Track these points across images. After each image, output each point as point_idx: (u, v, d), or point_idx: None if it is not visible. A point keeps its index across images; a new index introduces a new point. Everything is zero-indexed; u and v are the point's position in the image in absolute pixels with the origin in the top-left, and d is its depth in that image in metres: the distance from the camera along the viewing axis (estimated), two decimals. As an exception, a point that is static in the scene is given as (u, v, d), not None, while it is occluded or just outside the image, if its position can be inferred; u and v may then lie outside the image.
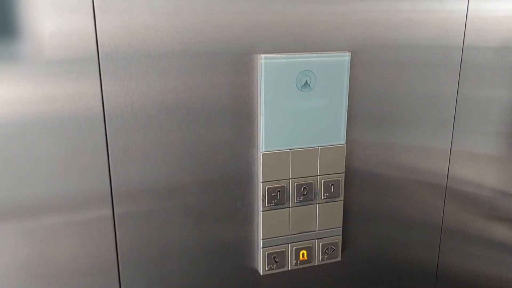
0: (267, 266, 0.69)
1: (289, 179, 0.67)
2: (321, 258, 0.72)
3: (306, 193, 0.68)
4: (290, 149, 0.65)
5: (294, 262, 0.70)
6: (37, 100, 0.54)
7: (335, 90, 0.65)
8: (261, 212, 0.67)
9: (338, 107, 0.66)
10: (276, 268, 0.70)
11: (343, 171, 0.70)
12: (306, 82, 0.63)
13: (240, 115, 0.63)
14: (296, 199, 0.68)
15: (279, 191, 0.66)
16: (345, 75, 0.65)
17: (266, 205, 0.66)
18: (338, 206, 0.71)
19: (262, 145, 0.64)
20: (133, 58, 0.56)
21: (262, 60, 0.61)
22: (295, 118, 0.64)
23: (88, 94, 0.56)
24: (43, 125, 0.55)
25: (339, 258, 0.74)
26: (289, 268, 0.71)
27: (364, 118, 0.70)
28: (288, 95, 0.63)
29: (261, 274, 0.69)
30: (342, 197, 0.71)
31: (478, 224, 0.83)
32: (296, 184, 0.67)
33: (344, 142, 0.68)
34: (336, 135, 0.67)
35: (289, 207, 0.68)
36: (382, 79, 0.69)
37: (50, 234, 0.59)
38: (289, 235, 0.69)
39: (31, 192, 0.56)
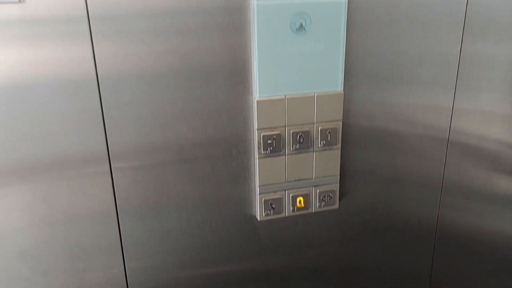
0: (264, 212, 0.70)
1: (285, 126, 0.66)
2: (318, 206, 0.73)
3: (303, 141, 0.68)
4: (285, 96, 0.64)
5: (291, 208, 0.71)
6: (29, 62, 0.54)
7: (331, 33, 0.63)
8: (257, 159, 0.67)
9: (335, 51, 0.64)
10: (273, 214, 0.71)
11: (341, 118, 0.69)
12: (301, 25, 0.61)
13: (234, 62, 0.62)
14: (292, 147, 0.67)
15: (274, 138, 0.66)
16: (342, 17, 0.63)
17: (262, 152, 0.66)
18: (335, 155, 0.71)
19: (257, 92, 0.63)
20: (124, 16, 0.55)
21: (255, 2, 0.58)
22: (290, 63, 0.63)
23: (80, 55, 0.55)
24: (40, 88, 0.55)
25: (336, 206, 0.74)
26: (286, 215, 0.72)
27: (363, 66, 0.68)
28: (282, 39, 0.61)
29: (259, 220, 0.71)
30: (339, 146, 0.70)
31: (480, 177, 0.82)
32: (292, 132, 0.67)
33: (342, 89, 0.67)
34: (333, 81, 0.66)
35: (285, 155, 0.68)
36: (381, 28, 0.66)
37: (53, 186, 0.60)
38: (285, 182, 0.69)
39: (33, 151, 0.58)
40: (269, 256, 0.75)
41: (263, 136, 0.65)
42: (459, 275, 0.89)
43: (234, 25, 0.60)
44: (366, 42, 0.67)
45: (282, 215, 0.71)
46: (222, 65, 0.61)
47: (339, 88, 0.67)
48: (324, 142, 0.69)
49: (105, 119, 0.59)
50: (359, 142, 0.73)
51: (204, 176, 0.66)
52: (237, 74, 0.62)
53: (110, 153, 0.61)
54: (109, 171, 0.62)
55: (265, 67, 0.62)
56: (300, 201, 0.71)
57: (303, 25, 0.61)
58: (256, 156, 0.67)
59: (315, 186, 0.72)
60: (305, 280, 0.80)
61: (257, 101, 0.63)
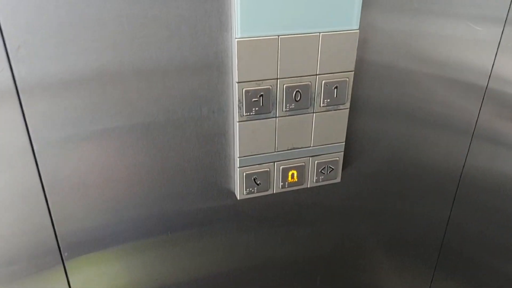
0: (246, 190, 0.54)
1: (277, 79, 0.48)
2: (315, 180, 0.57)
3: (300, 99, 0.50)
4: (278, 35, 0.46)
5: (280, 184, 0.55)
6: None
7: None
8: (237, 123, 0.49)
9: (353, -28, 0.44)
10: (257, 192, 0.55)
11: (353, 69, 0.50)
12: None
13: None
14: (286, 107, 0.50)
15: (261, 95, 0.48)
16: None
17: (244, 114, 0.48)
18: (341, 117, 0.53)
19: (237, 28, 0.44)
20: None
21: None
22: (287, -12, 0.43)
23: None
24: None
25: (338, 179, 0.58)
26: (274, 191, 0.56)
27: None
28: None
29: (238, 198, 0.55)
30: (348, 105, 0.53)
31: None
32: (286, 86, 0.49)
33: (358, 27, 0.48)
34: (345, 15, 0.47)
35: (275, 117, 0.50)
36: None
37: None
38: (274, 152, 0.53)
39: None
40: (250, 237, 0.61)
41: (245, 91, 0.47)
42: (471, 247, 0.76)
43: None
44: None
45: (269, 192, 0.55)
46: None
47: (354, 25, 0.48)
48: (328, 100, 0.51)
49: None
50: (372, 100, 0.56)
51: (164, 142, 0.49)
52: (209, 1, 0.43)
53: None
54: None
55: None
56: (292, 175, 0.55)
57: None
58: (236, 118, 0.49)
59: (312, 156, 0.55)
60: (293, 265, 0.66)
61: (237, 41, 0.44)
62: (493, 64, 0.58)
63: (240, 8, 0.43)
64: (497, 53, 0.57)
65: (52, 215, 0.49)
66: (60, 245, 0.51)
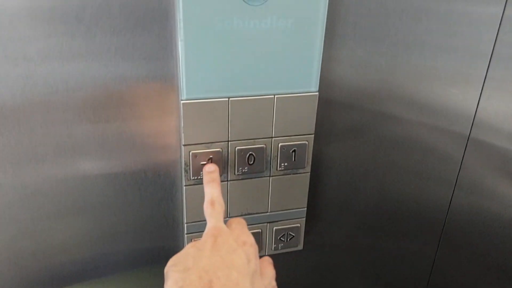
0: (195, 257, 0.49)
1: (227, 141, 0.45)
2: (274, 247, 0.52)
3: (254, 162, 0.46)
4: (228, 98, 0.43)
5: (235, 251, 0.51)
6: None
7: (305, 4, 0.40)
8: (184, 187, 0.45)
9: (310, 32, 0.42)
10: (209, 260, 0.50)
11: (313, 131, 0.47)
12: (257, -11, 0.38)
13: (149, 32, 0.39)
14: (238, 170, 0.46)
15: (210, 158, 0.45)
16: (323, -19, 0.40)
17: (191, 178, 0.45)
18: (302, 181, 0.50)
19: (183, 90, 0.41)
20: None
21: None
22: (238, 48, 0.40)
23: None
24: None
25: (300, 247, 0.54)
26: (228, 260, 0.51)
27: (350, 55, 0.46)
28: (227, 10, 0.38)
29: (188, 266, 0.50)
30: (308, 168, 0.49)
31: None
32: (238, 149, 0.45)
33: (317, 89, 0.45)
34: (304, 77, 0.44)
35: (226, 181, 0.47)
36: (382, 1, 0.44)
37: None
38: (226, 217, 0.49)
39: None
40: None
41: (192, 154, 0.44)
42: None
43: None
44: (358, 19, 0.44)
45: (222, 260, 0.51)
46: (130, 36, 0.39)
47: (313, 87, 0.45)
48: (286, 164, 0.48)
49: None
50: (335, 164, 0.52)
51: (104, 204, 0.45)
52: (154, 58, 0.40)
53: None
54: None
55: (197, 52, 0.39)
56: (248, 242, 0.51)
57: (259, -11, 0.38)
58: (183, 182, 0.45)
59: (270, 223, 0.51)
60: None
61: (183, 103, 0.41)
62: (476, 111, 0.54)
63: (185, 69, 0.40)
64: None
65: None
66: None
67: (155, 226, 0.48)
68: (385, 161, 0.54)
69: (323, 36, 0.42)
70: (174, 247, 0.50)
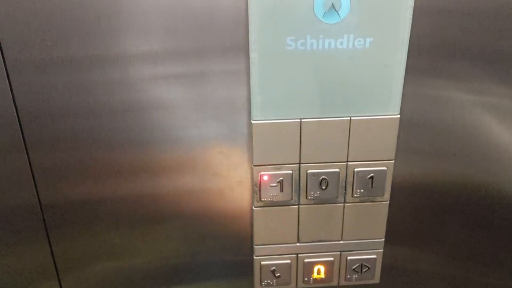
0: (263, 281, 0.48)
1: (299, 164, 0.43)
2: (347, 278, 0.49)
3: (326, 187, 0.44)
4: (299, 119, 0.41)
5: (304, 279, 0.49)
6: None
7: (386, 20, 0.38)
8: (254, 209, 0.45)
9: (390, 53, 0.39)
10: (277, 285, 0.49)
11: (393, 157, 0.44)
12: (333, 6, 0.37)
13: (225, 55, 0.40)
14: (310, 195, 0.44)
15: (281, 180, 0.43)
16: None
17: (261, 199, 0.44)
18: (379, 210, 0.46)
19: (255, 110, 0.41)
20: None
21: (252, -33, 0.36)
22: (312, 69, 0.39)
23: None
24: None
25: (376, 281, 0.50)
26: (296, 286, 0.49)
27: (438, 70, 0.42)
28: (300, 29, 0.37)
29: (256, 289, 0.49)
30: (387, 196, 0.45)
31: None
32: (310, 173, 0.43)
33: (398, 112, 0.42)
34: (383, 100, 0.41)
35: (297, 205, 0.45)
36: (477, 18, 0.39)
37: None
38: (297, 243, 0.47)
39: None
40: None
41: (262, 175, 0.43)
42: None
43: None
44: (444, 37, 0.40)
45: (290, 286, 0.49)
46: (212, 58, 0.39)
47: (394, 110, 0.42)
48: (362, 190, 0.45)
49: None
50: (415, 193, 0.47)
51: (188, 216, 0.46)
52: (229, 73, 0.40)
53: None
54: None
55: (269, 72, 0.39)
56: (319, 270, 0.48)
57: (336, 8, 0.37)
58: (254, 203, 0.45)
59: (344, 252, 0.48)
60: None
61: (254, 124, 0.41)
62: None
63: (257, 90, 0.39)
64: None
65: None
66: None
67: (226, 245, 0.48)
68: (475, 187, 0.47)
69: (406, 55, 0.39)
70: (244, 272, 0.49)
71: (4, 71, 0.38)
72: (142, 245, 0.48)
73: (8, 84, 0.39)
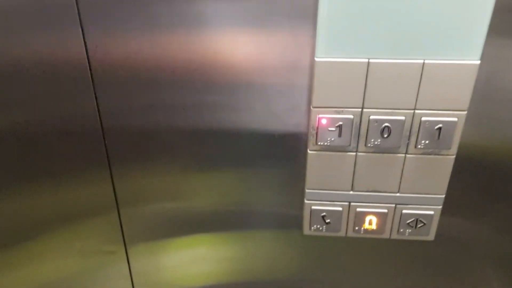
0: (312, 226, 0.48)
1: (361, 108, 0.41)
2: (400, 232, 0.48)
3: (389, 135, 0.42)
4: (367, 59, 0.38)
5: (355, 228, 0.48)
6: None
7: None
8: (309, 152, 0.43)
9: (478, -12, 0.34)
10: (326, 231, 0.48)
11: (466, 108, 0.40)
12: None
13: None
14: (370, 142, 0.42)
15: (340, 125, 0.41)
16: None
17: (317, 143, 0.42)
18: (444, 164, 0.43)
19: (320, 47, 0.38)
20: None
21: None
22: (384, 5, 0.36)
23: None
24: None
25: (431, 237, 0.48)
26: (346, 235, 0.48)
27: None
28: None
29: (304, 233, 0.49)
30: (454, 150, 0.42)
31: None
32: (372, 119, 0.41)
33: (478, 58, 0.38)
34: (463, 43, 0.37)
35: (355, 152, 0.43)
36: None
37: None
38: (350, 191, 0.45)
39: None
40: (315, 282, 0.54)
41: (320, 118, 0.41)
42: None
43: None
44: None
45: (340, 234, 0.48)
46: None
47: (473, 56, 0.38)
48: (427, 141, 0.42)
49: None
50: (486, 148, 0.44)
51: (237, 159, 0.46)
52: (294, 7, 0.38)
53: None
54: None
55: (337, 7, 0.36)
56: (370, 221, 0.47)
57: None
58: (309, 146, 0.43)
59: (399, 205, 0.46)
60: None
61: (317, 61, 0.39)
62: None
63: (323, 25, 0.37)
64: None
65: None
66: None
67: (277, 190, 0.48)
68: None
69: (498, -9, 0.34)
70: (292, 215, 0.49)
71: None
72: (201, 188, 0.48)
73: None
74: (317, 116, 0.41)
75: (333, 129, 0.42)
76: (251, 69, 0.41)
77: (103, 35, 0.40)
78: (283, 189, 0.47)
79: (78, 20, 0.39)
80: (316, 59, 0.39)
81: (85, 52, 0.41)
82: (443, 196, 0.45)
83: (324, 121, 0.41)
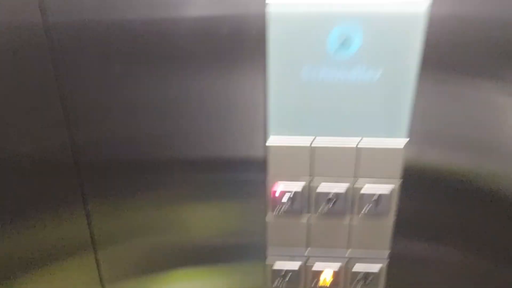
0: (274, 283, 0.52)
1: (308, 185, 0.46)
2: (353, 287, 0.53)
3: (334, 204, 0.47)
4: (310, 143, 0.44)
5: (311, 285, 0.53)
6: None
7: (395, 56, 0.40)
8: (266, 220, 0.49)
9: (399, 80, 0.41)
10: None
11: (399, 177, 0.46)
12: (345, 42, 0.39)
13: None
14: (318, 209, 0.48)
15: (291, 197, 0.47)
16: (418, 33, 0.39)
17: (273, 210, 0.48)
18: (384, 226, 0.49)
19: (271, 127, 0.44)
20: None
21: (270, 8, 0.38)
22: (324, 98, 0.42)
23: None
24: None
25: (380, 289, 0.53)
26: (304, 290, 0.53)
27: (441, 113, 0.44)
28: (313, 61, 0.40)
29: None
30: (392, 216, 0.48)
31: None
32: (317, 193, 0.47)
33: (406, 135, 0.44)
34: (392, 124, 0.44)
35: (306, 219, 0.48)
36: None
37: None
38: (305, 248, 0.51)
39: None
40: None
41: (275, 192, 0.47)
42: None
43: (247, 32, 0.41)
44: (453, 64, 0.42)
45: (299, 289, 0.53)
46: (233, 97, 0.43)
47: (401, 134, 0.44)
48: (368, 208, 0.48)
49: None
50: (421, 211, 0.50)
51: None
52: (246, 108, 0.44)
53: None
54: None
55: (283, 98, 0.42)
56: (325, 278, 0.52)
57: (348, 42, 0.39)
58: (268, 213, 0.48)
59: (351, 258, 0.51)
60: None
61: (269, 147, 0.44)
62: None
63: (272, 113, 0.43)
64: None
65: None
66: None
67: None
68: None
69: (415, 84, 0.41)
70: (255, 275, 0.53)
71: None
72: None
73: None
74: (271, 189, 0.46)
75: (285, 200, 0.47)
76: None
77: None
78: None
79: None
80: (268, 144, 0.44)
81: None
82: (387, 251, 0.51)
83: (277, 194, 0.46)
